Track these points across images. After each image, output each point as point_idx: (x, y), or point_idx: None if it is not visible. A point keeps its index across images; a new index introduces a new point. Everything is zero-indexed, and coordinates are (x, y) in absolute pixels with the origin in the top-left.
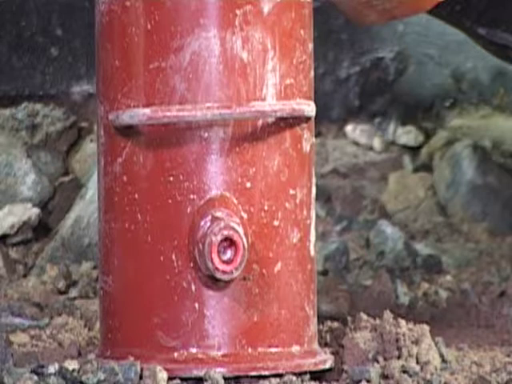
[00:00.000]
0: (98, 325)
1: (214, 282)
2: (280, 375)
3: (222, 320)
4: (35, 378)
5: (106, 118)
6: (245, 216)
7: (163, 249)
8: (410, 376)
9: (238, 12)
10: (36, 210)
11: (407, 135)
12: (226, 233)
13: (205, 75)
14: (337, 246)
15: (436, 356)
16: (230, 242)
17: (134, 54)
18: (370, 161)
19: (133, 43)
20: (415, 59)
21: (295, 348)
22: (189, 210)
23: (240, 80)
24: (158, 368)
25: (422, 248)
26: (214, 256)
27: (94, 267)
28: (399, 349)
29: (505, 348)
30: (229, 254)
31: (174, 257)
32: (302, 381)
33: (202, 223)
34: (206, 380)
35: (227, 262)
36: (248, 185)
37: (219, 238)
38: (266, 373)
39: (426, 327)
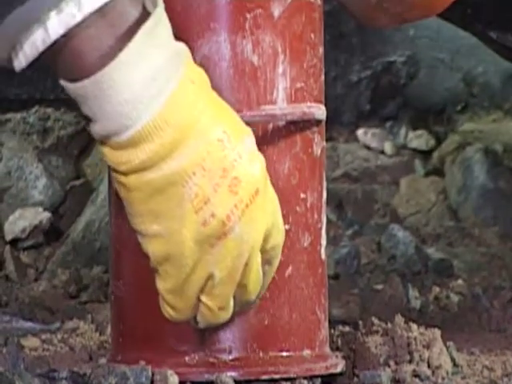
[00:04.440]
0: (109, 329)
1: None
2: (291, 379)
3: (232, 324)
4: (46, 382)
5: None
6: None
7: None
8: (422, 380)
9: (248, 16)
10: (47, 214)
11: (418, 139)
12: None
13: (215, 79)
14: (348, 250)
15: (447, 360)
16: None
17: None
18: (381, 165)
19: None
20: (426, 63)
21: (306, 352)
22: None
23: (250, 84)
24: (169, 372)
25: (434, 252)
26: None
27: (105, 271)
28: (410, 353)
29: None
30: None
31: None
32: None
33: None
34: None
35: None
36: None
37: None
38: (277, 377)
39: (438, 331)
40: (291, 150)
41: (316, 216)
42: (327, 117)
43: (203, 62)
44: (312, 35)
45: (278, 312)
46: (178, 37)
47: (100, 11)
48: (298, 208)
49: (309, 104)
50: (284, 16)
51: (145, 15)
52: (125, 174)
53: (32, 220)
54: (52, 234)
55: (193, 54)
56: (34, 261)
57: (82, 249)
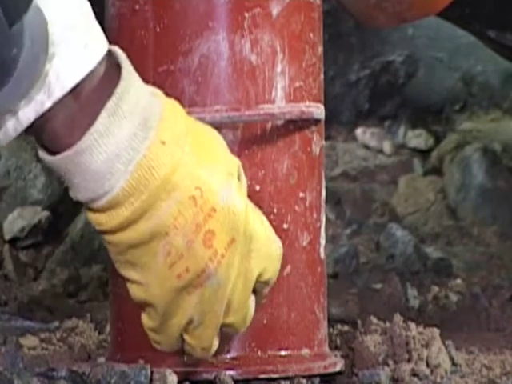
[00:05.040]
0: (108, 328)
1: None
2: (290, 378)
3: None
4: (45, 381)
5: None
6: None
7: None
8: (420, 379)
9: (246, 15)
10: (46, 213)
11: (417, 138)
12: None
13: (214, 78)
14: (347, 249)
15: (446, 359)
16: None
17: (143, 57)
18: (379, 164)
19: (142, 46)
20: (425, 62)
21: (305, 351)
22: None
23: (249, 83)
24: (168, 371)
25: (432, 251)
26: None
27: (104, 270)
28: (409, 352)
29: None
30: None
31: None
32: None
33: None
34: (216, 383)
35: None
36: (257, 188)
37: None
38: (276, 376)
39: (436, 330)
40: (290, 149)
41: (315, 215)
42: (326, 116)
43: (202, 61)
44: (311, 34)
45: (276, 311)
46: (176, 36)
47: (71, 92)
48: (296, 207)
49: (307, 103)
50: (283, 15)
51: (117, 78)
52: (100, 231)
53: (31, 219)
54: (51, 233)
55: (191, 54)
56: (32, 260)
57: (80, 248)
